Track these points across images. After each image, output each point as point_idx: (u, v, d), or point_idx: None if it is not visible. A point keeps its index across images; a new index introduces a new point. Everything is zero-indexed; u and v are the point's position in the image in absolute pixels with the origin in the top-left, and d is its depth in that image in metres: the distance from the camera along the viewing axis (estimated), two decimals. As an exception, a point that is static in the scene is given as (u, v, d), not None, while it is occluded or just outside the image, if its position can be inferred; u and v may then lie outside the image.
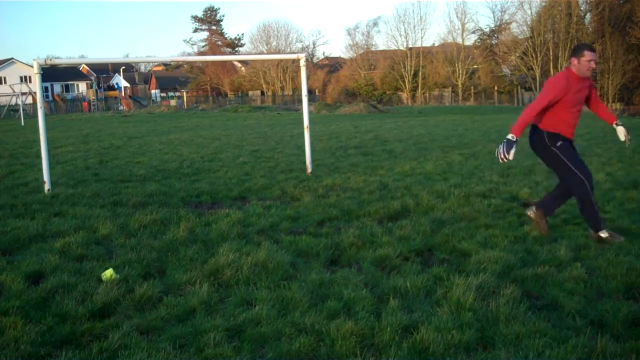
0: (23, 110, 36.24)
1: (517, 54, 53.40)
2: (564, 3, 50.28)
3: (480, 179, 8.63)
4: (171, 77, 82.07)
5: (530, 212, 5.57)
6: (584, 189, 5.12)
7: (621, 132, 5.35)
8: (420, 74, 59.02)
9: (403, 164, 10.51)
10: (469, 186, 7.94)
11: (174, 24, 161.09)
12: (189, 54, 73.13)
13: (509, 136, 5.13)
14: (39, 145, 8.46)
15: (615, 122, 5.39)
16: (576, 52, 5.13)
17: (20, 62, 70.34)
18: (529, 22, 54.15)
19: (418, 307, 3.79)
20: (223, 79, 70.86)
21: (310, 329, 3.48)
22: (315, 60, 73.00)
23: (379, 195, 7.46)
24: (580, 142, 13.65)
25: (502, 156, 5.10)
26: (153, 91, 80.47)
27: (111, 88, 79.90)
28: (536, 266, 4.53)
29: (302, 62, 9.76)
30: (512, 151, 5.12)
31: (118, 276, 4.39)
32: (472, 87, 57.89)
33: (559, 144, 5.22)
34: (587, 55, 5.04)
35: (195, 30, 78.85)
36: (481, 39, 60.43)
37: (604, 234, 5.15)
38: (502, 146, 5.14)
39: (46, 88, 69.26)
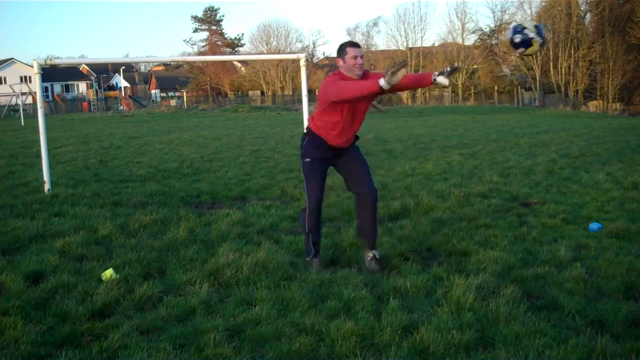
0: (23, 110, 36.23)
1: (517, 54, 53.35)
2: (564, 3, 50.26)
3: (480, 179, 8.63)
4: (171, 77, 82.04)
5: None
6: (306, 211, 4.75)
7: (442, 80, 4.37)
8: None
9: (403, 164, 10.51)
10: (469, 186, 7.94)
11: (174, 24, 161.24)
12: (189, 54, 73.12)
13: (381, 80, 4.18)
14: (39, 145, 8.46)
15: (432, 76, 4.41)
16: (339, 52, 4.55)
17: (20, 62, 70.35)
18: (516, 54, 54.06)
19: (418, 307, 3.79)
20: (223, 79, 70.83)
21: (310, 329, 3.48)
22: (315, 60, 72.92)
23: (378, 195, 7.45)
24: (580, 142, 13.66)
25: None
26: (153, 91, 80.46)
27: (111, 88, 79.91)
28: (536, 266, 4.53)
29: (302, 62, 9.76)
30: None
31: (118, 276, 4.39)
32: (472, 87, 57.88)
33: (307, 159, 4.71)
34: (350, 51, 4.48)
35: (195, 30, 78.82)
36: (481, 39, 60.41)
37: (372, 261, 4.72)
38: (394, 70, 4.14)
39: (46, 88, 69.27)
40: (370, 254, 4.75)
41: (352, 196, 7.39)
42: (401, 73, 4.10)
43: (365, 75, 4.58)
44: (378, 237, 4.98)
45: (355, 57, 4.48)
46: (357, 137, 4.88)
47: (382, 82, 4.14)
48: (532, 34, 4.34)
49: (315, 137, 4.70)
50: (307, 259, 4.78)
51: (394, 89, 4.43)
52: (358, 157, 4.86)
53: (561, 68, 50.39)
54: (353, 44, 4.58)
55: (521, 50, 4.47)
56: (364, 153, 5.01)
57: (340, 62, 4.56)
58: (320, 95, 4.64)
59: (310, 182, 4.74)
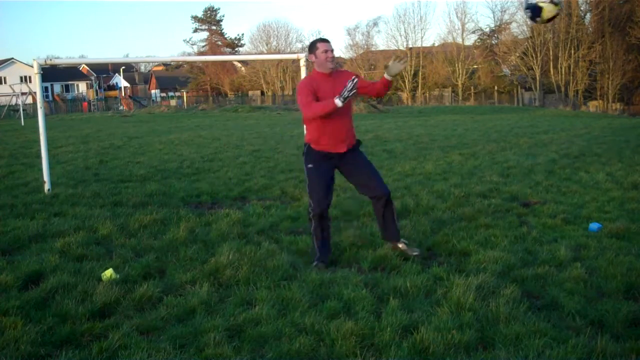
0: (23, 110, 36.22)
1: (517, 54, 53.36)
2: (564, 3, 50.22)
3: (480, 179, 8.63)
4: (171, 77, 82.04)
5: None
6: (312, 216, 4.81)
7: (395, 66, 4.61)
8: (420, 74, 58.99)
9: (403, 164, 10.50)
10: (469, 186, 7.93)
11: (174, 24, 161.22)
12: (189, 54, 73.05)
13: (337, 99, 4.45)
14: (39, 145, 8.46)
15: (384, 74, 4.69)
16: (310, 49, 4.71)
17: (20, 62, 70.33)
18: (529, 22, 54.12)
19: (418, 307, 3.79)
20: (223, 79, 70.83)
21: (310, 329, 3.48)
22: (315, 60, 72.91)
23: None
24: (580, 142, 13.65)
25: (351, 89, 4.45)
26: (153, 91, 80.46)
27: (111, 88, 79.90)
28: (536, 266, 4.53)
29: (302, 62, 9.76)
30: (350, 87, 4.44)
31: (118, 276, 4.39)
32: (472, 87, 57.86)
33: (309, 165, 4.82)
34: (321, 46, 4.62)
35: (195, 30, 78.80)
36: (481, 39, 60.40)
37: (403, 247, 4.93)
38: (347, 91, 4.44)
39: (46, 88, 69.26)
40: (401, 245, 4.92)
41: (352, 196, 7.42)
42: (354, 90, 4.43)
43: (336, 72, 4.76)
44: (400, 228, 5.11)
45: (326, 51, 4.63)
46: (359, 142, 4.92)
47: (337, 101, 4.45)
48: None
49: (313, 145, 4.82)
50: (314, 261, 4.78)
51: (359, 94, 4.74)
52: (362, 161, 4.90)
53: (561, 68, 50.37)
54: (323, 40, 4.72)
55: (537, 18, 4.34)
56: (366, 152, 5.01)
57: (312, 58, 4.70)
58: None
59: (313, 188, 4.81)
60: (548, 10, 4.22)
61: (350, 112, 4.85)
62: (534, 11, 4.25)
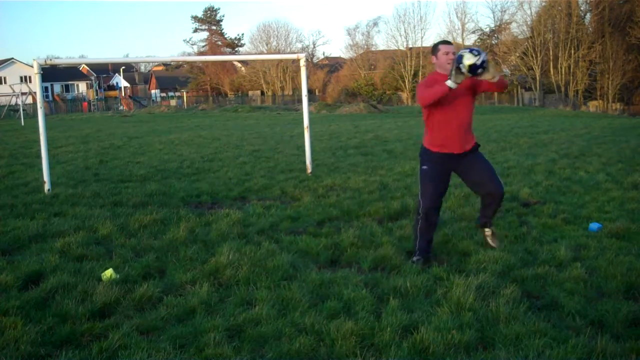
0: (23, 110, 36.25)
1: (517, 54, 53.37)
2: (564, 3, 50.25)
3: (480, 179, 8.62)
4: (171, 77, 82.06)
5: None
6: (419, 215, 4.83)
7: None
8: (420, 74, 58.97)
9: (403, 164, 10.51)
10: (469, 186, 7.93)
11: (174, 24, 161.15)
12: (189, 54, 73.08)
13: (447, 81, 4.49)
14: (39, 145, 8.46)
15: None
16: (433, 51, 4.85)
17: (20, 62, 70.33)
18: (529, 22, 54.13)
19: (418, 307, 3.79)
20: (223, 79, 70.84)
21: (310, 329, 3.48)
22: (315, 60, 72.97)
23: (379, 195, 7.46)
24: (580, 142, 13.66)
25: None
26: (153, 91, 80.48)
27: (111, 88, 79.91)
28: (536, 266, 4.53)
29: (302, 62, 9.76)
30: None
31: (118, 276, 4.39)
32: (472, 87, 57.83)
33: (424, 166, 4.84)
34: (442, 48, 4.74)
35: (195, 30, 78.86)
36: (481, 39, 60.42)
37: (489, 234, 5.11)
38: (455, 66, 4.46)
39: (46, 88, 69.26)
40: (489, 231, 5.09)
41: (352, 196, 7.43)
42: (460, 77, 4.42)
43: None
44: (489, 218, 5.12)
45: (447, 53, 4.71)
46: (477, 145, 4.94)
47: (449, 82, 4.43)
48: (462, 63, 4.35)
49: (429, 146, 4.84)
50: (413, 258, 4.78)
51: (485, 86, 4.68)
52: (479, 161, 4.88)
53: (561, 68, 50.36)
54: (445, 42, 4.85)
55: (461, 65, 4.38)
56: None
57: (434, 60, 4.83)
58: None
59: (424, 187, 4.81)
60: (467, 57, 4.36)
61: (469, 113, 4.80)
62: (459, 59, 4.40)
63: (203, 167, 10.74)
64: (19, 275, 4.39)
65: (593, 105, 48.55)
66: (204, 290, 4.08)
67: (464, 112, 4.75)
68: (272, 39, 67.34)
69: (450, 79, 4.42)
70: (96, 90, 73.61)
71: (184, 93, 69.49)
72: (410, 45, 61.02)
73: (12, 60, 70.70)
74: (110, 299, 3.94)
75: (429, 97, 4.56)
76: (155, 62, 72.22)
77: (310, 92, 44.27)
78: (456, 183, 8.25)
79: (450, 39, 60.69)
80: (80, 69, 78.31)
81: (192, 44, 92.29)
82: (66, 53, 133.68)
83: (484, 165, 4.88)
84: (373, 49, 66.05)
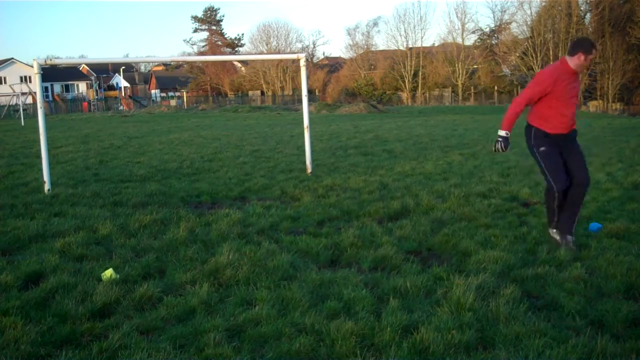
0: (23, 110, 36.25)
1: (517, 54, 53.35)
2: (564, 3, 50.23)
3: (480, 179, 8.64)
4: (171, 77, 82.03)
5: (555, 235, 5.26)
6: (553, 193, 5.08)
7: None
8: (420, 74, 59.00)
9: (403, 164, 10.51)
10: (469, 186, 7.94)
11: (174, 24, 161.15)
12: (189, 54, 73.06)
13: (502, 133, 5.16)
14: (39, 145, 8.46)
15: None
16: (582, 48, 4.99)
17: (20, 62, 70.32)
18: (529, 22, 54.12)
19: (418, 307, 3.79)
20: (223, 79, 70.82)
21: (310, 329, 3.48)
22: (315, 60, 72.94)
23: (379, 195, 7.46)
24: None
25: (502, 151, 5.14)
26: (153, 91, 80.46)
27: (111, 88, 79.89)
28: (536, 266, 4.53)
29: (302, 62, 9.76)
30: (509, 146, 5.14)
31: (118, 276, 4.39)
32: (472, 87, 57.87)
33: (542, 149, 5.12)
34: (594, 52, 5.00)
35: (195, 30, 78.86)
36: (481, 39, 60.42)
37: (555, 235, 5.15)
38: (498, 144, 5.17)
39: (46, 88, 69.25)
40: (570, 238, 5.07)
41: (352, 196, 7.43)
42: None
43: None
44: (575, 222, 5.17)
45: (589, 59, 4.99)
46: (575, 131, 5.23)
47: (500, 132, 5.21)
48: None
49: (538, 129, 5.12)
50: (550, 229, 5.16)
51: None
52: (577, 147, 5.21)
53: (561, 68, 50.28)
54: (593, 46, 5.02)
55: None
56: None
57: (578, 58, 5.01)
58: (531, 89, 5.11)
59: (551, 168, 5.07)
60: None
61: (576, 100, 5.15)
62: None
63: (203, 167, 10.74)
64: (19, 275, 4.39)
65: (593, 105, 48.52)
66: (204, 290, 4.08)
67: (574, 100, 5.17)
68: (272, 39, 67.38)
69: (506, 136, 5.15)
70: (96, 90, 73.60)
71: (184, 93, 69.48)
72: (410, 45, 61.04)
73: (12, 60, 70.68)
74: (110, 299, 3.94)
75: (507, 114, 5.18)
76: (155, 62, 72.25)
77: (310, 92, 44.31)
78: (456, 183, 8.26)
79: (450, 39, 60.78)
80: (80, 69, 78.30)
81: (192, 44, 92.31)
82: (66, 53, 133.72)
83: (581, 154, 5.20)
84: (373, 49, 66.06)
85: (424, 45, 62.03)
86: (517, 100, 5.17)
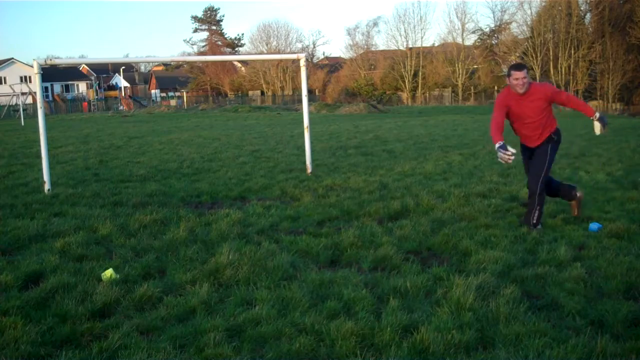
0: (23, 110, 36.25)
1: (517, 54, 53.34)
2: (564, 3, 50.24)
3: (480, 179, 8.63)
4: (171, 77, 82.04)
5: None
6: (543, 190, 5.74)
7: (597, 126, 5.87)
8: (420, 74, 58.99)
9: (403, 164, 10.51)
10: (469, 186, 7.94)
11: (174, 24, 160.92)
12: (189, 54, 73.06)
13: (497, 145, 5.28)
14: (39, 145, 8.46)
15: (593, 115, 5.90)
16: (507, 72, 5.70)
17: (20, 62, 70.33)
18: (529, 22, 54.12)
19: (418, 307, 3.79)
20: (223, 79, 70.81)
21: (310, 329, 3.48)
22: (315, 60, 72.94)
23: (379, 195, 7.46)
24: (581, 142, 13.66)
25: (507, 158, 5.16)
26: (153, 91, 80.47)
27: (111, 88, 79.90)
28: (536, 266, 4.53)
29: (302, 62, 9.76)
30: (510, 150, 5.15)
31: (118, 276, 4.39)
32: (472, 87, 57.87)
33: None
34: (513, 74, 5.57)
35: (195, 30, 78.85)
36: (481, 39, 60.39)
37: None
38: (500, 153, 5.19)
39: (46, 88, 69.25)
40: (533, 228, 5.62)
41: (352, 196, 7.43)
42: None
43: (530, 88, 5.65)
44: (532, 216, 5.68)
45: (516, 79, 5.55)
46: (545, 142, 5.76)
47: (496, 145, 5.29)
48: None
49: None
50: (538, 227, 5.67)
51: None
52: (537, 158, 5.77)
53: (561, 68, 50.35)
54: (517, 68, 5.61)
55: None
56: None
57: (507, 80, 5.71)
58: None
59: (549, 168, 5.74)
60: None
61: (533, 120, 5.75)
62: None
63: (203, 167, 10.74)
64: (19, 275, 4.39)
65: (593, 105, 48.52)
66: (204, 290, 4.08)
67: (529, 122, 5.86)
68: (272, 39, 67.33)
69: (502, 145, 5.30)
70: (96, 90, 73.61)
71: (184, 93, 69.47)
72: (410, 45, 61.02)
73: (12, 60, 70.69)
74: (110, 299, 3.94)
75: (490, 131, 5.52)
76: (155, 62, 72.24)
77: (310, 92, 44.31)
78: (456, 183, 8.26)
79: (450, 39, 60.77)
80: (80, 69, 78.30)
81: (192, 44, 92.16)
82: (66, 53, 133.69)
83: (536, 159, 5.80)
84: (373, 49, 66.02)
85: (424, 45, 62.02)
86: (492, 117, 5.65)
